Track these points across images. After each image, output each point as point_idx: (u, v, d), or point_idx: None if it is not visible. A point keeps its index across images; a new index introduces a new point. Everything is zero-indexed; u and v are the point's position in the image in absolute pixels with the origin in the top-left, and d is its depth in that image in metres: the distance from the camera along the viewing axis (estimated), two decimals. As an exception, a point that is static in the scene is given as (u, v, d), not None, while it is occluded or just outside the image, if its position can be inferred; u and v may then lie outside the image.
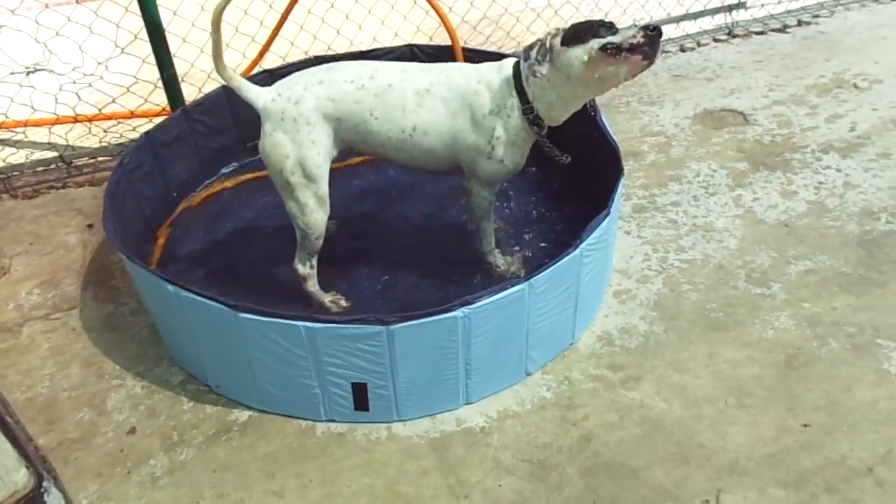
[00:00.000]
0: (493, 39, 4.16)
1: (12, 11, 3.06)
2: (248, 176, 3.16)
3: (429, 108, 2.25)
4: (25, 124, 3.39)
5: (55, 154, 3.40)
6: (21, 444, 2.02)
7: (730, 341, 2.41)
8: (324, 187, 2.29)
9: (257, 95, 2.25)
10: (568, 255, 2.14)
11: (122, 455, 2.15)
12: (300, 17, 3.63)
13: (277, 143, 2.21)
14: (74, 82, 3.28)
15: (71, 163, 3.39)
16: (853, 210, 2.96)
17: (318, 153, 2.24)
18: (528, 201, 2.95)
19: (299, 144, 2.21)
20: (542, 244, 2.74)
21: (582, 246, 2.16)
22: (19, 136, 3.50)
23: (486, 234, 2.52)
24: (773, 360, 2.34)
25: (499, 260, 2.57)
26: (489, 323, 2.06)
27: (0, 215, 3.11)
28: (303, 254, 2.39)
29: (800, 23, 4.54)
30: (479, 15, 4.14)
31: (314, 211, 2.30)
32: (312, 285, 2.45)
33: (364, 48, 3.42)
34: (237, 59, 3.59)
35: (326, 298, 2.46)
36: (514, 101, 2.22)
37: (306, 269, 2.42)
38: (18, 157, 3.40)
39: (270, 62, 3.54)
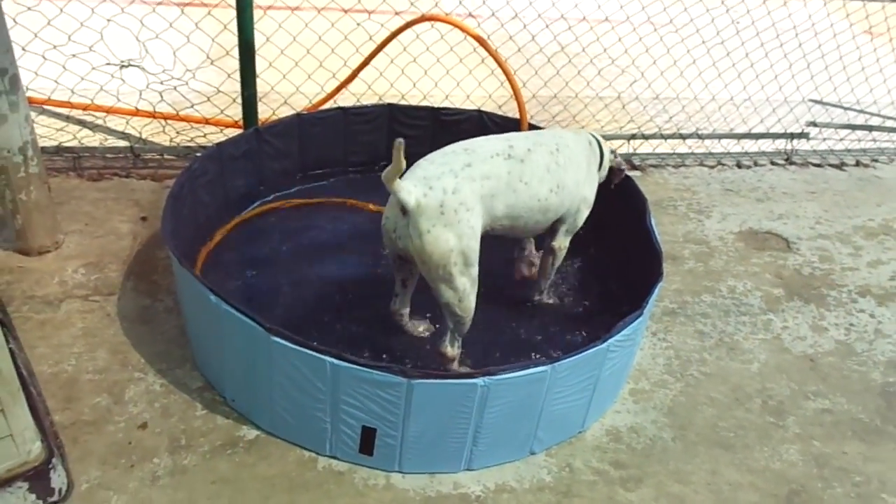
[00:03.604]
0: (559, 119, 4.29)
1: (122, 9, 3.26)
2: (304, 200, 3.29)
3: (563, 165, 2.47)
4: (108, 111, 3.57)
5: (126, 144, 3.56)
6: (40, 417, 2.11)
7: (735, 463, 2.41)
8: (477, 269, 2.25)
9: (408, 192, 2.09)
10: (595, 346, 2.19)
11: (129, 448, 2.20)
12: (382, 64, 3.79)
13: (439, 238, 2.11)
14: (161, 83, 3.46)
15: (139, 155, 3.54)
16: (880, 359, 2.97)
17: (476, 238, 2.21)
18: (567, 286, 3.02)
19: (461, 235, 2.14)
20: (574, 331, 2.79)
21: (610, 341, 2.21)
22: (99, 122, 3.68)
23: (550, 279, 2.82)
24: (776, 492, 2.33)
25: (552, 297, 2.88)
26: (506, 396, 2.11)
27: (64, 191, 3.25)
28: (454, 336, 2.34)
29: (858, 163, 4.61)
30: (549, 94, 4.27)
31: (470, 294, 2.25)
32: (456, 365, 2.40)
33: (436, 104, 3.55)
34: (315, 90, 3.76)
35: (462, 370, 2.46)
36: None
37: (455, 350, 2.36)
38: (93, 140, 3.57)
39: (345, 100, 3.70)
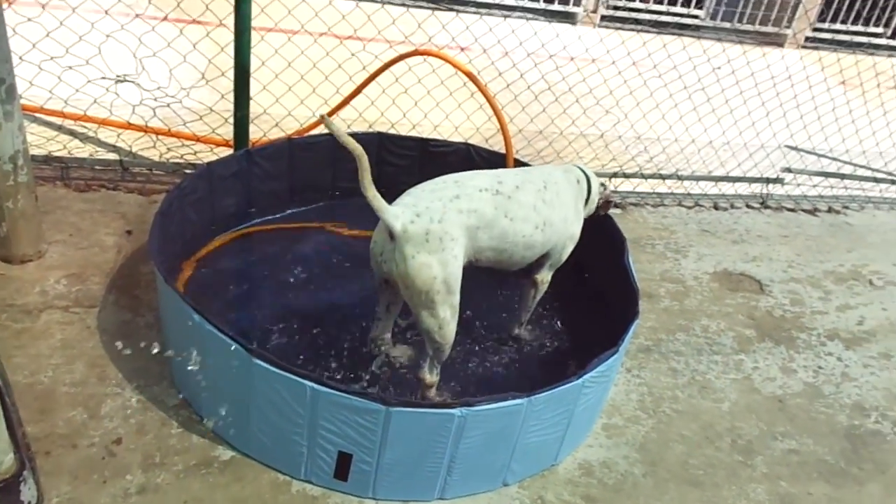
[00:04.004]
0: (544, 154, 4.38)
1: (122, 26, 3.30)
2: (292, 224, 3.33)
3: (550, 202, 2.52)
4: (101, 123, 3.58)
5: (116, 157, 3.57)
6: (13, 428, 2.09)
7: (704, 501, 2.46)
8: (458, 298, 2.30)
9: (395, 217, 2.16)
10: (570, 381, 2.23)
11: (103, 463, 2.19)
12: (373, 93, 3.85)
13: (424, 265, 2.17)
14: (155, 99, 3.49)
15: (128, 168, 3.55)
16: (846, 402, 3.05)
17: (459, 266, 2.26)
18: (545, 321, 3.07)
19: (445, 263, 2.20)
20: (551, 366, 2.82)
21: (585, 377, 2.26)
22: (90, 134, 3.69)
23: (531, 312, 2.86)
24: (741, 531, 2.39)
25: (530, 332, 2.92)
26: (482, 427, 2.14)
27: (50, 201, 3.24)
28: (433, 363, 2.38)
29: (830, 209, 4.75)
30: (535, 129, 4.37)
31: (450, 322, 2.29)
32: (433, 391, 2.44)
33: (425, 135, 3.62)
34: (306, 114, 3.81)
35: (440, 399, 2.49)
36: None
37: (434, 377, 2.40)
38: (83, 151, 3.58)
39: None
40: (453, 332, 2.32)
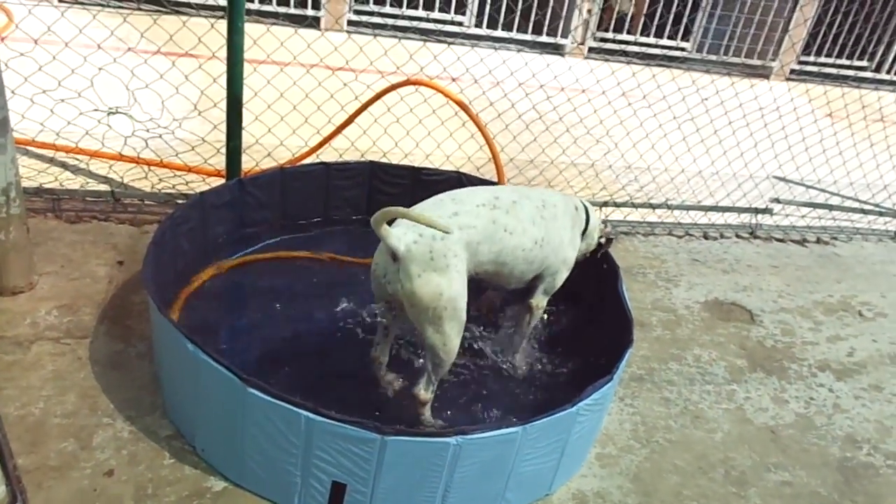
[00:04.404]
0: (535, 184, 4.41)
1: (115, 59, 3.33)
2: (283, 253, 3.32)
3: (548, 219, 2.54)
4: (92, 155, 3.59)
5: (107, 188, 3.58)
6: (4, 461, 2.07)
7: (698, 532, 2.45)
8: (464, 314, 2.31)
9: (398, 239, 2.19)
10: (565, 409, 2.23)
11: (94, 495, 2.17)
12: (365, 123, 3.89)
13: (429, 283, 2.19)
14: (147, 130, 3.51)
15: (119, 199, 3.56)
16: (838, 433, 3.05)
17: (464, 282, 2.28)
18: (538, 349, 3.06)
19: (450, 279, 2.22)
20: (545, 394, 2.82)
21: (580, 404, 2.25)
22: (81, 165, 3.70)
23: (525, 338, 2.86)
24: (737, 562, 2.37)
25: (525, 360, 2.89)
26: (478, 455, 2.13)
27: (41, 233, 3.24)
28: (429, 380, 2.38)
29: (819, 240, 4.80)
30: (526, 158, 4.42)
31: (454, 339, 2.31)
32: (428, 410, 2.44)
33: (417, 164, 3.65)
34: (299, 143, 3.84)
35: (437, 423, 2.48)
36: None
37: (429, 394, 2.40)
38: (74, 183, 3.58)
39: (328, 155, 3.78)
40: (456, 349, 2.33)
